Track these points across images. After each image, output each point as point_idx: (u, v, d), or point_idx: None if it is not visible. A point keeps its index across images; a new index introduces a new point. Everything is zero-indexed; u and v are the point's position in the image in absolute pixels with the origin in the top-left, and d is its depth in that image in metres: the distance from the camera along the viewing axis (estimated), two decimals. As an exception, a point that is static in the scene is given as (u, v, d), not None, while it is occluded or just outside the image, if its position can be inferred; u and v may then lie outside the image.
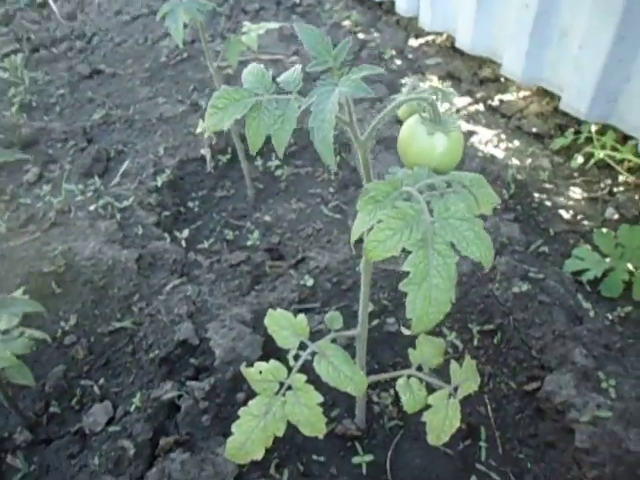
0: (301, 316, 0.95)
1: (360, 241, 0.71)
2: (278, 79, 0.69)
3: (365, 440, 1.26)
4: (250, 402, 0.93)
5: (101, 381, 1.39)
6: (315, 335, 1.49)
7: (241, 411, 0.92)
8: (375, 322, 1.48)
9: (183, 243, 1.79)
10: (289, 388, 0.93)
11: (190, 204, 2.02)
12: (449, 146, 0.68)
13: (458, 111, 0.65)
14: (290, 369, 0.94)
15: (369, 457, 1.19)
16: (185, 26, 1.54)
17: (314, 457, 1.21)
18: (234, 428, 0.92)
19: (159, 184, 1.99)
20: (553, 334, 1.36)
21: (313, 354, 0.93)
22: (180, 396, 1.22)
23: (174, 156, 2.16)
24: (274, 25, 1.66)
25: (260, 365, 0.93)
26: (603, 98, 1.66)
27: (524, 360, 1.35)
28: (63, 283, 1.58)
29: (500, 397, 1.31)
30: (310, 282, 1.57)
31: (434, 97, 0.66)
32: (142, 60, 2.87)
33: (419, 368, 1.05)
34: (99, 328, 1.49)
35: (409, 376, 1.03)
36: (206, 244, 1.79)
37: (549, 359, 1.32)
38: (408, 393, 1.00)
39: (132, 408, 1.23)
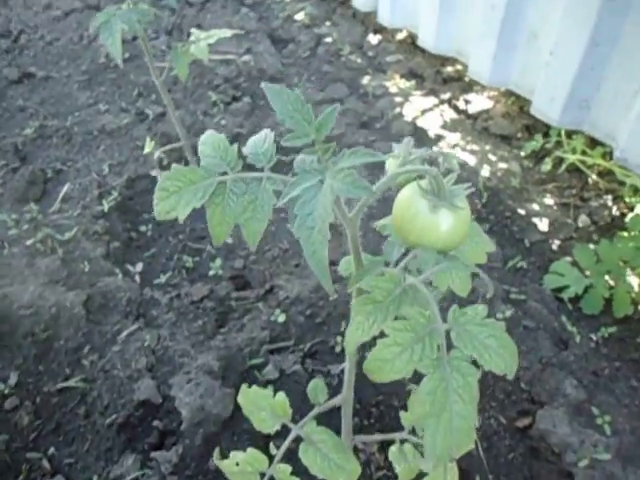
0: (281, 395, 0.83)
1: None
2: (244, 150, 0.55)
3: (352, 496, 1.16)
4: (227, 498, 0.81)
5: (51, 451, 1.22)
6: (289, 378, 1.37)
7: (217, 510, 0.80)
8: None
9: (137, 278, 1.62)
10: (272, 479, 0.81)
11: (142, 228, 1.84)
12: (456, 225, 0.56)
13: (457, 180, 0.54)
14: (271, 457, 0.82)
15: (359, 521, 1.09)
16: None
17: (299, 524, 1.10)
18: (210, 531, 0.80)
19: (105, 208, 1.80)
20: (540, 363, 1.31)
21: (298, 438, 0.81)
22: (144, 474, 1.08)
23: (121, 174, 1.95)
24: (226, 33, 1.49)
25: (236, 455, 0.81)
26: (575, 105, 1.60)
27: (513, 392, 1.28)
28: (-1, 337, 1.39)
29: (491, 434, 1.24)
30: (282, 318, 1.44)
31: (438, 170, 0.54)
32: (78, 61, 2.60)
33: (412, 431, 0.96)
34: (45, 387, 1.32)
35: (402, 441, 0.94)
36: (163, 278, 1.62)
37: (539, 391, 1.26)
38: (403, 463, 0.90)
39: (89, 492, 1.08)
